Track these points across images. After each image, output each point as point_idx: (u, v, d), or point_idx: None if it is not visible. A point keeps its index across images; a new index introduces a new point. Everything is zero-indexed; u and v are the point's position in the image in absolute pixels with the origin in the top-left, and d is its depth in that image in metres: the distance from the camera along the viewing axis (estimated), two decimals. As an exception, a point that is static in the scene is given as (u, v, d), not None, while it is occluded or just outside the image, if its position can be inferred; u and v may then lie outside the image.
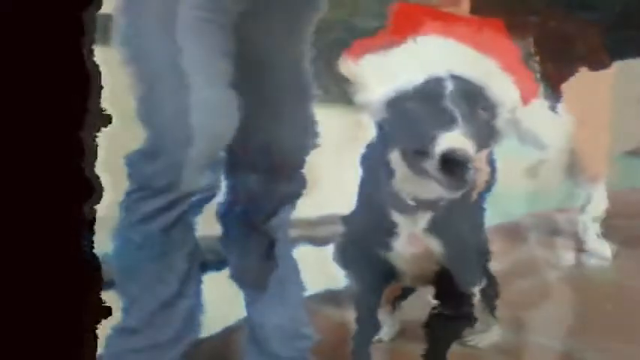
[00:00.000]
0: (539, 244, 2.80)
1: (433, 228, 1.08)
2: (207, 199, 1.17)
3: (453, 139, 0.84)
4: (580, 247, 2.70)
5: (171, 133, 1.08)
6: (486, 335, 1.67)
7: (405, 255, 1.10)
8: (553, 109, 1.09)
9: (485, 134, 0.94)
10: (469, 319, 1.20)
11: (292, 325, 1.36)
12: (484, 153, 1.06)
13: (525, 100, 1.00)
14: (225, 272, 1.43)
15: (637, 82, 2.75)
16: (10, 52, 0.62)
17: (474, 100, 0.91)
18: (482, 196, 1.43)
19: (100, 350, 0.88)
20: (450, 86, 0.90)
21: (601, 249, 2.65)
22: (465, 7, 1.15)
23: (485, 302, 1.56)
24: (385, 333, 1.70)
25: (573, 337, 1.75)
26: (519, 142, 1.02)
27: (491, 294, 1.57)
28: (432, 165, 0.85)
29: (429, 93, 0.91)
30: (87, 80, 0.72)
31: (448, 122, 0.86)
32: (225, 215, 1.37)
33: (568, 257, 2.61)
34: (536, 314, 1.93)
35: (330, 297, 2.04)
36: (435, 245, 1.10)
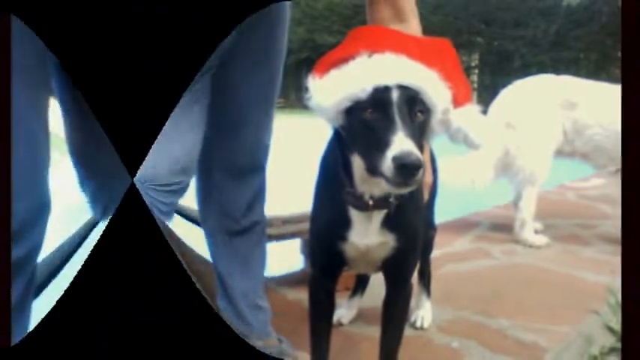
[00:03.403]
0: (480, 237, 2.91)
1: (387, 223, 1.14)
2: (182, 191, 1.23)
3: (404, 144, 0.90)
4: (515, 240, 2.82)
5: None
6: (423, 312, 1.80)
7: (360, 246, 1.15)
8: (485, 113, 1.15)
9: (422, 134, 1.01)
10: (410, 297, 1.30)
11: (253, 295, 1.44)
12: (426, 151, 1.12)
13: (459, 104, 1.06)
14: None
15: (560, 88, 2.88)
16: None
17: (413, 103, 0.98)
18: (432, 197, 1.51)
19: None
20: (396, 94, 0.96)
21: (534, 241, 2.78)
22: (414, 26, 1.20)
23: (422, 283, 1.83)
24: (344, 316, 1.78)
25: (507, 317, 1.85)
26: (450, 140, 1.09)
27: (428, 278, 1.85)
28: (386, 167, 0.90)
29: (379, 101, 0.96)
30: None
31: (396, 127, 0.93)
32: (203, 214, 1.43)
33: (503, 248, 2.72)
34: (473, 296, 2.04)
35: (288, 279, 2.12)
36: (389, 239, 1.15)
